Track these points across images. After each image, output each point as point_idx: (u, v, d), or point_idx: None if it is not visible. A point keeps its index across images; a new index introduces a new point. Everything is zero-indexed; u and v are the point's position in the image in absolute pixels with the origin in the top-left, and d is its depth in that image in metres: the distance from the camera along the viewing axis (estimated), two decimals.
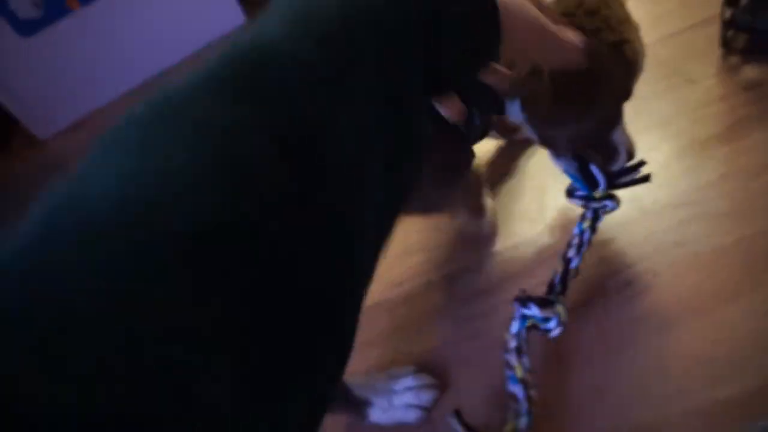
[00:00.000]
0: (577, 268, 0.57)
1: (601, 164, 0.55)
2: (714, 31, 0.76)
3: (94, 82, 1.22)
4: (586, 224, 0.57)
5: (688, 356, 0.55)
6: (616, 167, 0.56)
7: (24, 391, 0.14)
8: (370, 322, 0.67)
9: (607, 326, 0.59)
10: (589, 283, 0.62)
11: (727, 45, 0.75)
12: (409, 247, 0.71)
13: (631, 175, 0.56)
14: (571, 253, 0.57)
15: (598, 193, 0.56)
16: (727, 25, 0.74)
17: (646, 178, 0.57)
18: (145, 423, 0.15)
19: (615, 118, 0.53)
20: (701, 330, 0.56)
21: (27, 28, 1.11)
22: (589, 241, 0.57)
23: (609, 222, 0.65)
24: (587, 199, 0.57)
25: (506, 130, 0.71)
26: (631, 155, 0.56)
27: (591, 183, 0.56)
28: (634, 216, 0.65)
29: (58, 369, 0.14)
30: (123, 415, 0.15)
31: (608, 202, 0.56)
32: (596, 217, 0.58)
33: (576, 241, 0.57)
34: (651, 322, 0.57)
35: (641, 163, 0.57)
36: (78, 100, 1.23)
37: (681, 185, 0.66)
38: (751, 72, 0.72)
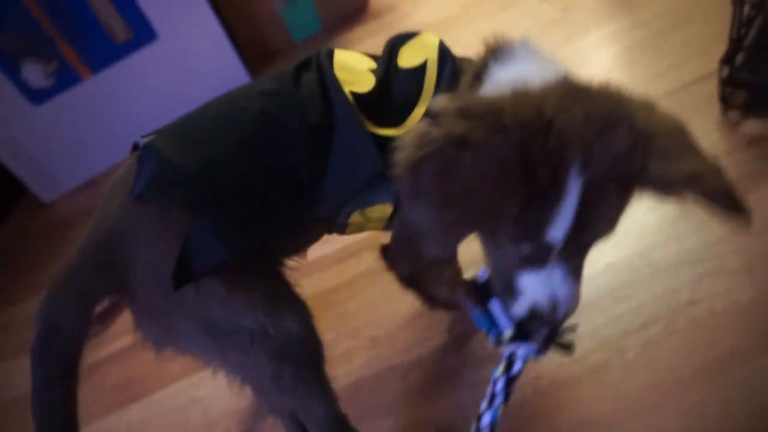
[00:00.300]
0: (493, 425, 0.46)
1: (504, 301, 0.45)
2: (714, 86, 0.78)
3: (100, 145, 1.24)
4: (500, 370, 0.46)
5: (710, 414, 0.52)
6: (517, 311, 0.43)
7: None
8: (384, 386, 0.65)
9: (626, 390, 0.57)
10: (606, 343, 0.60)
11: (726, 101, 0.76)
12: (419, 311, 0.70)
13: (555, 335, 0.45)
14: (483, 406, 0.46)
15: (506, 335, 0.46)
16: (725, 82, 0.75)
17: (568, 347, 0.47)
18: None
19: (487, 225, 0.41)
20: (722, 388, 0.54)
21: (38, 96, 1.13)
22: (508, 391, 0.46)
23: (620, 280, 0.64)
24: (496, 340, 0.46)
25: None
26: (568, 312, 0.42)
27: (491, 320, 0.47)
28: (646, 273, 0.64)
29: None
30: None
31: (522, 348, 0.46)
32: (510, 363, 0.46)
33: (489, 390, 0.47)
34: (669, 383, 0.56)
35: (573, 328, 0.47)
36: (83, 163, 1.24)
37: (691, 241, 0.65)
38: (752, 127, 0.73)
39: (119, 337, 0.85)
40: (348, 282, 0.77)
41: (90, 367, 0.81)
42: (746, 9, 0.73)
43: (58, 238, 1.12)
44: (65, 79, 1.14)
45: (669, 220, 0.67)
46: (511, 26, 1.14)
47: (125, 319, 0.83)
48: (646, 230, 0.68)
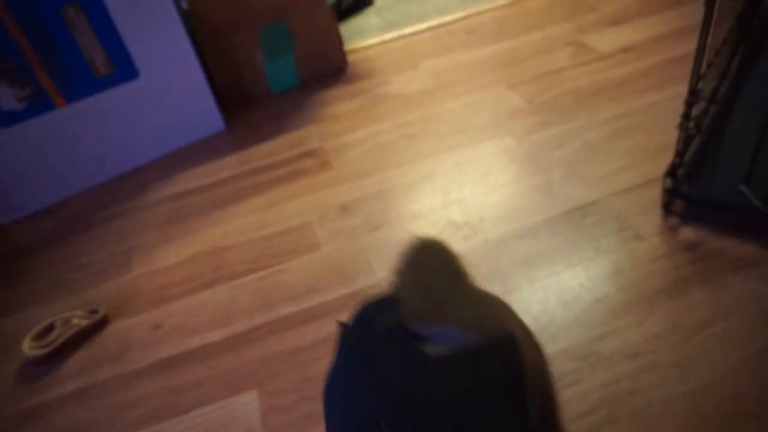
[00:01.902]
0: None
1: None
2: (658, 191, 0.87)
3: (62, 174, 1.22)
4: None
5: None
6: None
7: None
8: None
9: None
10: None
11: (667, 208, 0.85)
12: None
13: None
14: None
15: None
16: (667, 192, 0.84)
17: None
18: None
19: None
20: None
21: (6, 119, 1.11)
22: None
23: (567, 367, 0.70)
24: None
25: None
26: None
27: None
28: (593, 362, 0.70)
29: None
30: None
31: None
32: None
33: None
34: None
35: None
36: (44, 190, 1.21)
37: (633, 335, 0.72)
38: (689, 234, 0.82)
39: (72, 378, 0.83)
40: (314, 344, 0.79)
41: (37, 409, 0.78)
42: (690, 126, 0.83)
43: (2, 265, 1.08)
44: (38, 106, 1.13)
45: (614, 313, 0.74)
46: (479, 107, 1.22)
47: (79, 358, 0.81)
48: (595, 321, 0.74)
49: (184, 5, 1.21)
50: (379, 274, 0.86)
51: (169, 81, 1.22)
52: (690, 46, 1.28)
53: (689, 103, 0.81)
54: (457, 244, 0.89)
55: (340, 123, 1.28)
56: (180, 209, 1.13)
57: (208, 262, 0.97)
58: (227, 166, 1.22)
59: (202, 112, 1.30)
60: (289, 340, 0.79)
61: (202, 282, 0.93)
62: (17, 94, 1.10)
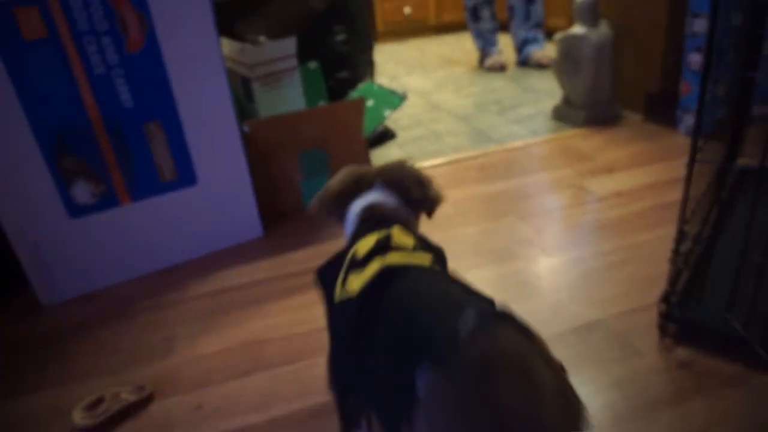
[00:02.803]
0: None
1: None
2: (654, 315, 1.00)
3: (112, 263, 1.34)
4: None
5: None
6: None
7: None
8: None
9: None
10: None
11: (662, 330, 0.98)
12: None
13: None
14: None
15: None
16: (662, 316, 0.97)
17: None
18: None
19: None
20: None
21: (78, 211, 1.26)
22: None
23: None
24: None
25: None
26: None
27: None
28: None
29: None
30: None
31: None
32: None
33: None
34: None
35: None
36: (92, 276, 1.32)
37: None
38: (682, 353, 0.93)
39: None
40: None
41: None
42: (680, 261, 0.98)
43: (46, 342, 1.16)
44: (106, 202, 1.28)
45: (621, 418, 0.83)
46: (493, 235, 1.38)
47: (125, 431, 0.88)
48: (602, 424, 0.83)
49: (246, 129, 1.41)
50: None
51: (221, 190, 1.39)
52: (676, 195, 1.48)
53: (678, 242, 0.96)
54: None
55: None
56: (220, 304, 1.23)
57: (247, 353, 1.06)
58: (264, 269, 1.35)
59: (245, 219, 1.46)
60: (330, 424, 0.87)
61: (243, 369, 1.02)
62: (92, 190, 1.26)
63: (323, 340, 1.02)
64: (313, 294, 1.22)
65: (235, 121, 1.35)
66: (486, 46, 3.11)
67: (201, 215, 1.40)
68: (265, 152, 1.49)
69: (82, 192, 1.25)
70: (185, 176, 1.34)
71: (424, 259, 0.62)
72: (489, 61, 3.06)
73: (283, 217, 1.59)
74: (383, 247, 0.62)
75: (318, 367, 1.00)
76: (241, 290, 1.28)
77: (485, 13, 3.02)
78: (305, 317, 1.15)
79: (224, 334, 1.13)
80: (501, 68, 3.03)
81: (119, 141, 1.24)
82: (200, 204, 1.38)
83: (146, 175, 1.30)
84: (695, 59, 1.80)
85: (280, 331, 1.11)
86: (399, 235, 0.65)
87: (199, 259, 1.42)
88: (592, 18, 1.93)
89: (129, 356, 1.09)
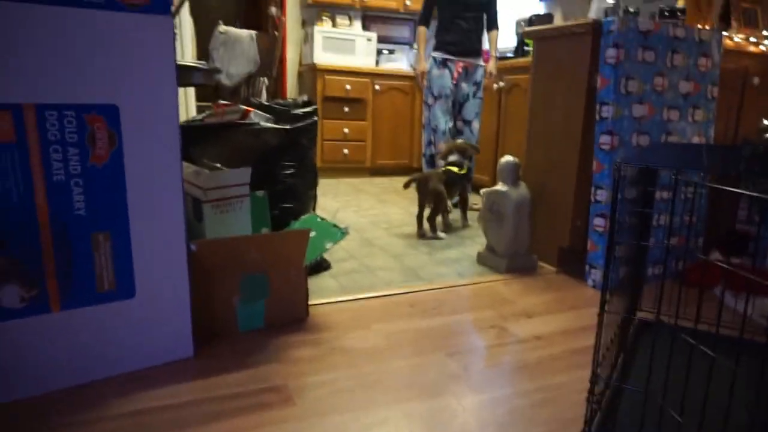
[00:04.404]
0: None
1: None
2: None
3: (30, 372, 1.25)
4: None
5: None
6: None
7: None
8: None
9: None
10: None
11: None
12: None
13: None
14: None
15: None
16: None
17: None
18: None
19: None
20: None
21: (2, 314, 1.20)
22: None
23: None
24: None
25: None
26: None
27: None
28: None
29: None
30: None
31: None
32: None
33: None
34: None
35: None
36: (5, 385, 1.23)
37: None
38: None
39: None
40: None
41: None
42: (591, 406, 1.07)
43: None
44: (35, 308, 1.23)
45: None
46: (423, 369, 1.43)
47: None
48: None
49: (193, 247, 1.44)
50: None
51: (157, 305, 1.38)
52: (587, 340, 1.61)
53: (592, 384, 1.06)
54: None
55: (302, 366, 1.43)
56: (139, 426, 1.17)
57: None
58: (190, 390, 1.31)
59: (177, 338, 1.43)
60: None
61: None
62: (22, 294, 1.21)
63: None
64: (239, 420, 1.19)
65: (184, 241, 1.38)
66: None
67: (133, 329, 1.36)
68: (208, 272, 1.51)
69: (11, 295, 1.20)
70: (124, 288, 1.33)
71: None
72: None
73: (215, 338, 1.56)
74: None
75: None
76: (164, 412, 1.22)
77: (439, 163, 3.32)
78: None
79: None
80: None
81: (63, 246, 1.24)
82: (134, 318, 1.36)
83: (84, 283, 1.28)
84: (599, 222, 2.07)
85: None
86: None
87: (123, 375, 1.36)
88: (513, 178, 2.19)
89: None
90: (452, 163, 2.93)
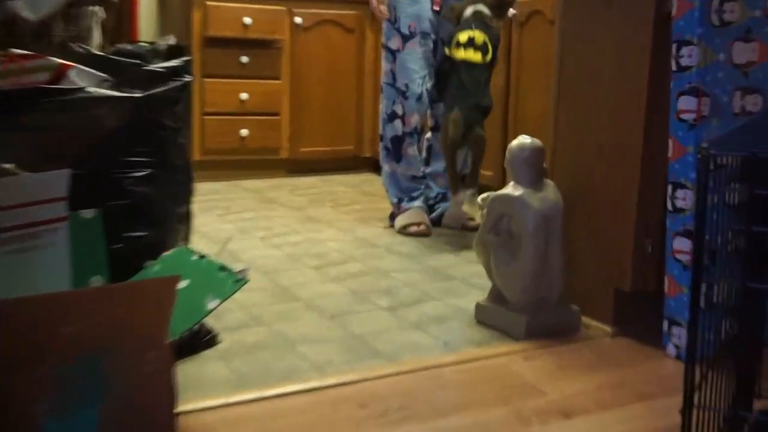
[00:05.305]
0: None
1: None
2: None
3: None
4: None
5: None
6: None
7: None
8: None
9: None
10: None
11: None
12: None
13: None
14: None
15: None
16: None
17: None
18: None
19: None
20: None
21: None
22: None
23: None
24: None
25: None
26: None
27: None
28: None
29: None
30: None
31: None
32: None
33: None
34: None
35: None
36: None
37: None
38: None
39: None
40: None
41: None
42: None
43: None
44: None
45: None
46: None
47: None
48: None
49: None
50: None
51: None
52: None
53: None
54: None
55: None
56: None
57: None
58: None
59: None
60: None
61: None
62: None
63: None
64: None
65: None
66: (402, 198, 2.47)
67: None
68: None
69: None
70: None
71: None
72: (403, 220, 2.40)
73: None
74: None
75: None
76: None
77: (410, 150, 2.40)
78: None
79: None
80: (422, 235, 2.42)
81: None
82: None
83: None
84: (682, 246, 1.41)
85: None
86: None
87: None
88: (534, 174, 1.51)
89: None
90: (471, 42, 2.14)
